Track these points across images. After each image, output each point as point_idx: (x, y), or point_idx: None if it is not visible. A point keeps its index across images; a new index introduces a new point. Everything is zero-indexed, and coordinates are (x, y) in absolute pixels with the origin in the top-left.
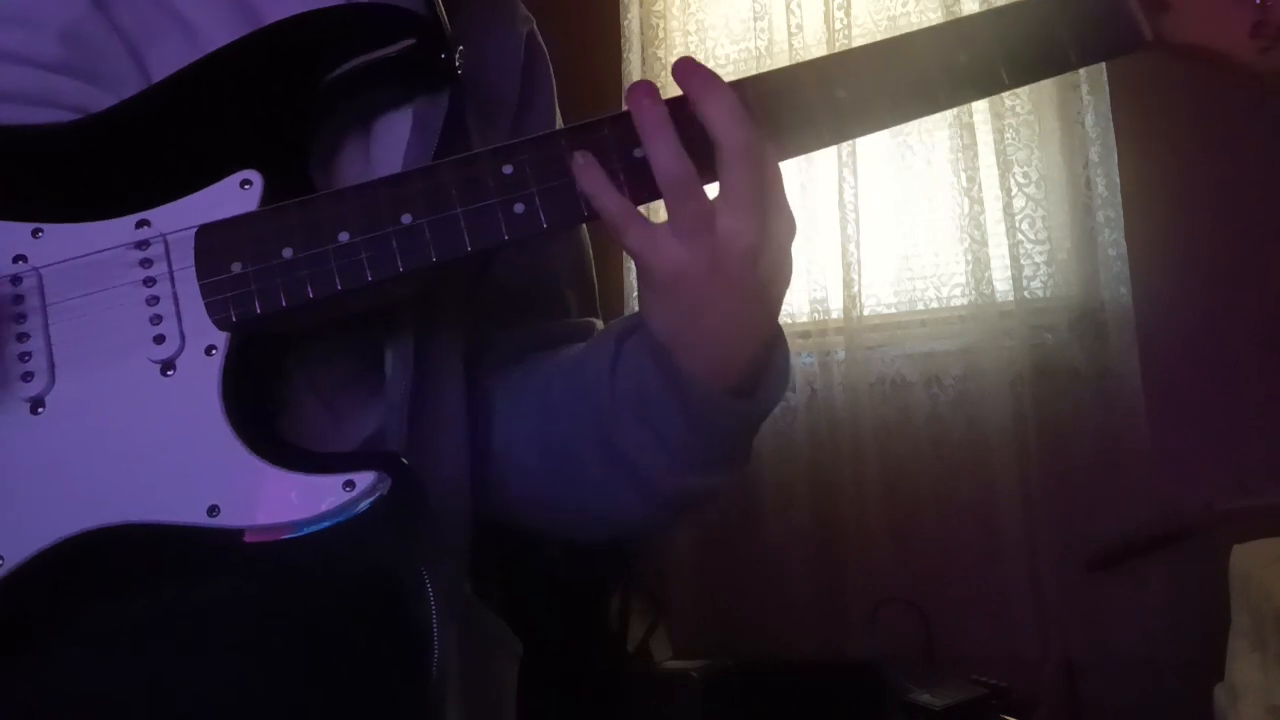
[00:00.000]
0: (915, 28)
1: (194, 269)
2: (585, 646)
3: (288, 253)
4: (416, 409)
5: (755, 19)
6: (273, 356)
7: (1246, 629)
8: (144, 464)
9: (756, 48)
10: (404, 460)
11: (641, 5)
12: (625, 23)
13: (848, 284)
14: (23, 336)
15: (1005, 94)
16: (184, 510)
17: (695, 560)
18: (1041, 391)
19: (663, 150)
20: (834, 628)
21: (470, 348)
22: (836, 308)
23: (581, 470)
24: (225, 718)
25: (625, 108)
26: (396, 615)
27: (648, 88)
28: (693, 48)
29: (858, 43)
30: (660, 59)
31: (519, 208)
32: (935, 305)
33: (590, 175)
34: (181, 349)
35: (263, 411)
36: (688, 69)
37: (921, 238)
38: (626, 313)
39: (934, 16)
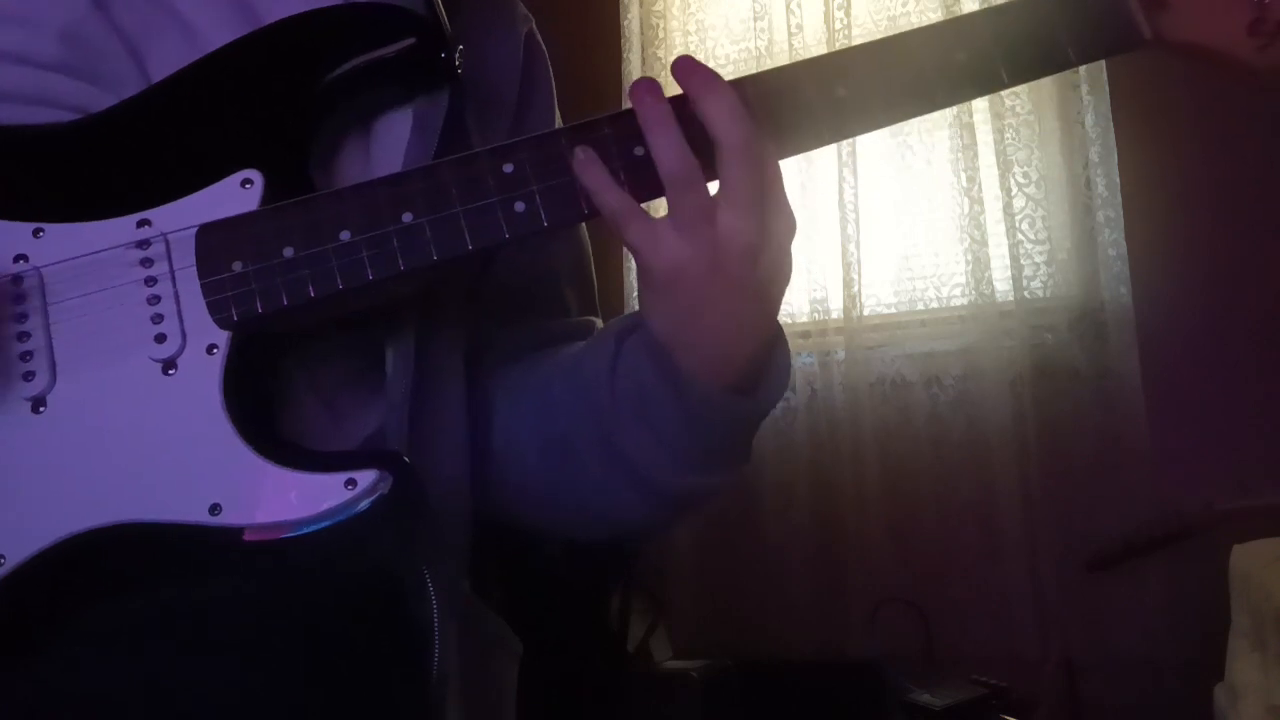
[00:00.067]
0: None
1: (195, 268)
2: (585, 646)
3: (289, 252)
4: (417, 408)
5: (755, 19)
6: (273, 355)
7: (1246, 629)
8: (145, 463)
9: (756, 48)
10: (405, 459)
11: (641, 5)
12: (625, 23)
13: (848, 284)
14: (24, 336)
15: (1005, 94)
16: (185, 509)
17: (695, 560)
18: (1041, 391)
19: (665, 145)
20: (834, 628)
21: (471, 347)
22: (836, 308)
23: (581, 469)
24: (225, 717)
25: (628, 106)
26: (397, 615)
27: (650, 84)
28: (693, 48)
29: (858, 43)
30: (660, 59)
31: (519, 206)
32: (935, 305)
33: (591, 170)
34: (183, 348)
35: (264, 410)
36: (687, 68)
37: (921, 238)
38: (627, 312)
39: (934, 16)
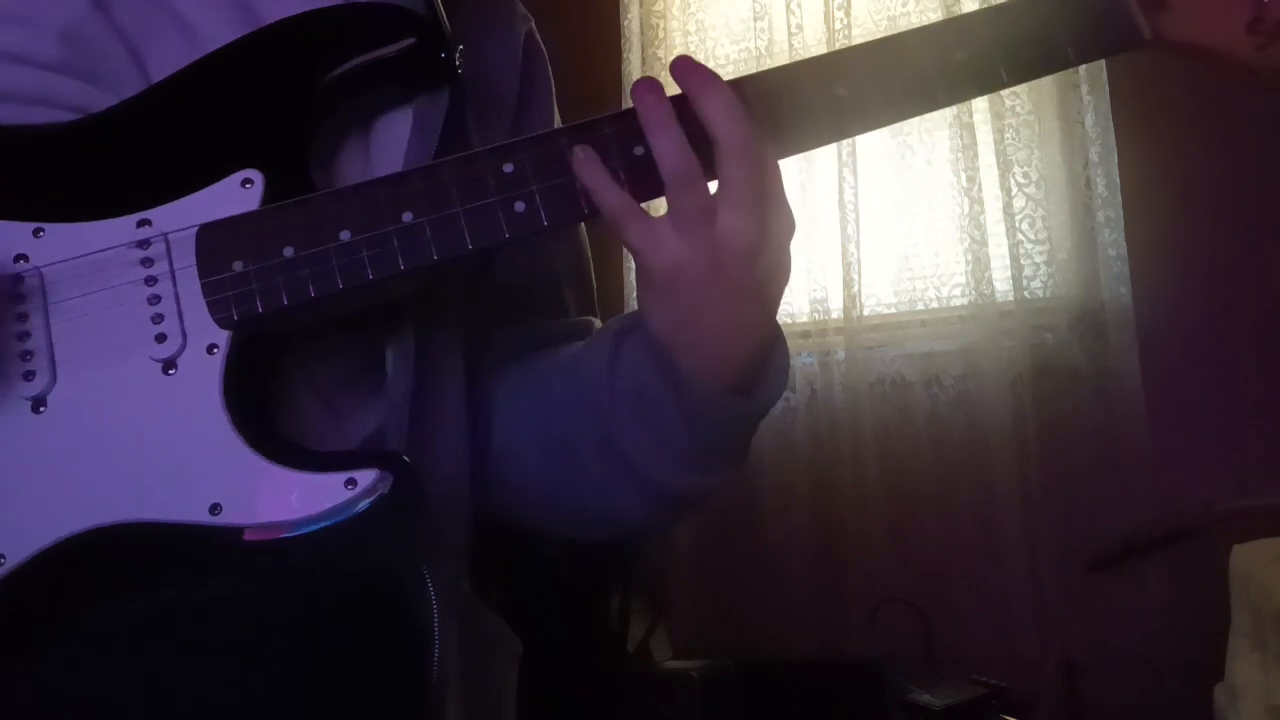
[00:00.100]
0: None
1: (195, 268)
2: (585, 646)
3: (289, 251)
4: (417, 408)
5: (755, 19)
6: (274, 355)
7: (1246, 629)
8: (145, 463)
9: (756, 48)
10: (405, 459)
11: (641, 5)
12: (625, 23)
13: (848, 284)
14: (24, 336)
15: (1005, 94)
16: (185, 509)
17: (695, 560)
18: (1041, 391)
19: (667, 144)
20: (834, 628)
21: (470, 347)
22: (836, 308)
23: (581, 469)
24: (225, 717)
25: (628, 106)
26: (397, 615)
27: (652, 84)
28: (693, 48)
29: (857, 42)
30: (660, 59)
31: (519, 206)
32: (935, 305)
33: (590, 170)
34: (183, 348)
35: (264, 410)
36: (685, 67)
37: (921, 238)
38: (626, 312)
39: (934, 16)
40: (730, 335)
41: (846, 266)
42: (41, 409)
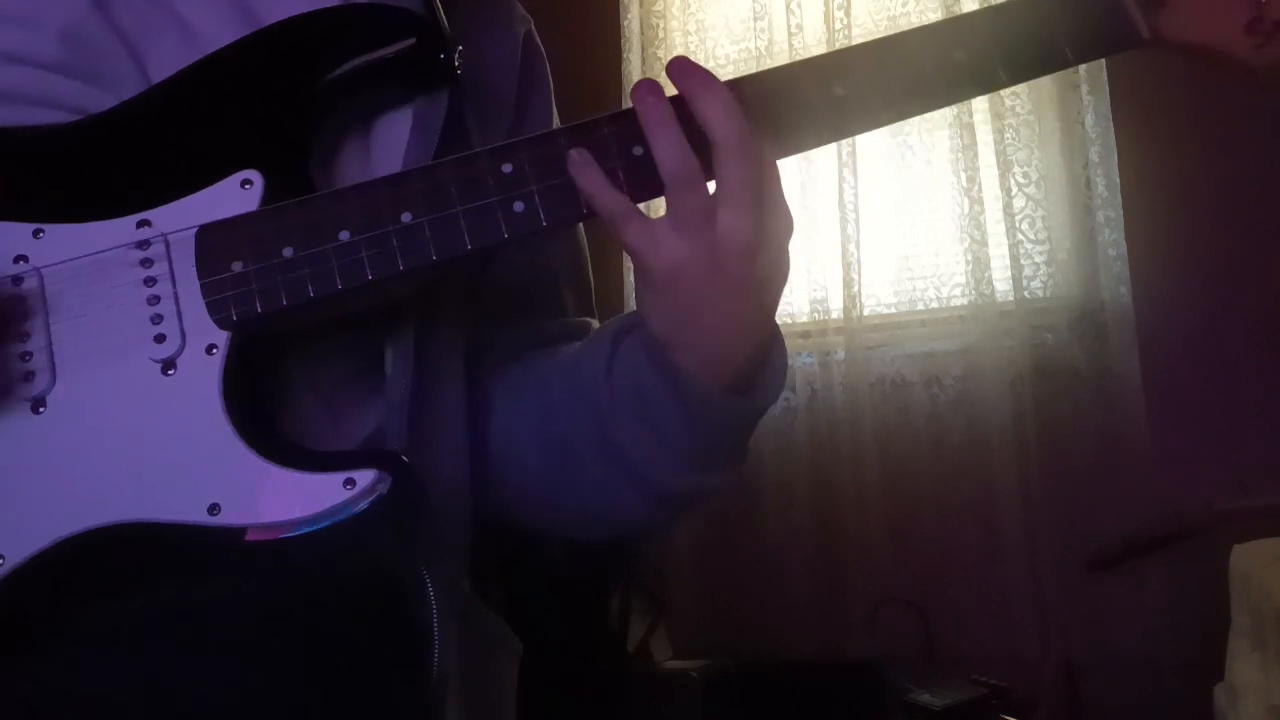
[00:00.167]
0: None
1: (195, 268)
2: (585, 646)
3: (288, 252)
4: (416, 408)
5: (755, 19)
6: (273, 355)
7: (1246, 629)
8: (145, 463)
9: (756, 48)
10: (404, 459)
11: (641, 5)
12: (625, 23)
13: (848, 284)
14: (24, 336)
15: (1005, 94)
16: (185, 509)
17: (695, 560)
18: (1041, 391)
19: (667, 145)
20: (834, 628)
21: (470, 347)
22: (836, 308)
23: (581, 469)
24: (225, 717)
25: (628, 106)
26: (397, 615)
27: (652, 85)
28: (693, 48)
29: (857, 42)
30: (660, 59)
31: (518, 206)
32: (935, 305)
33: (587, 172)
34: (182, 348)
35: (263, 410)
36: (682, 68)
37: (921, 238)
38: (626, 312)
39: (934, 16)
40: (729, 335)
41: (846, 266)
42: (41, 409)
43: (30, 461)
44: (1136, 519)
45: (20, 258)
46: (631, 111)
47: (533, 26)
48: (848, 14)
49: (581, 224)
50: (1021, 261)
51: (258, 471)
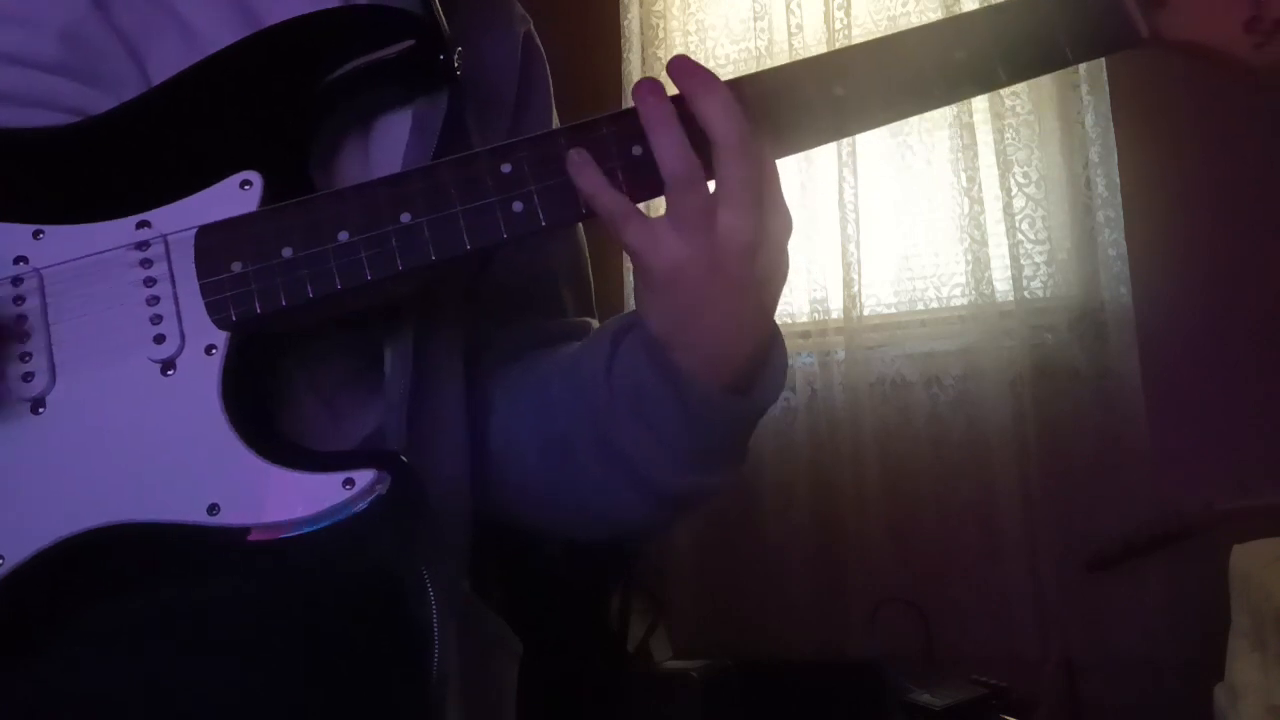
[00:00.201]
0: None
1: (194, 269)
2: (585, 646)
3: (287, 252)
4: (416, 408)
5: (755, 19)
6: (272, 356)
7: (1246, 629)
8: (144, 463)
9: (756, 48)
10: (403, 459)
11: (641, 5)
12: (625, 23)
13: (848, 284)
14: (24, 337)
15: (1005, 94)
16: (184, 509)
17: (695, 560)
18: (1041, 391)
19: (668, 145)
20: (834, 628)
21: (469, 346)
22: (836, 308)
23: (581, 469)
24: (225, 717)
25: (630, 106)
26: (397, 615)
27: (653, 84)
28: (693, 48)
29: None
30: (660, 59)
31: (518, 206)
32: (935, 305)
33: (586, 173)
34: (181, 348)
35: (262, 410)
36: (682, 67)
37: (921, 238)
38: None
39: (934, 16)
40: (729, 335)
41: (846, 266)
42: (40, 410)
43: (30, 462)
44: (1136, 519)
45: (20, 259)
46: (631, 111)
47: (532, 27)
48: (848, 14)
49: (581, 224)
50: (1021, 261)
51: (257, 471)
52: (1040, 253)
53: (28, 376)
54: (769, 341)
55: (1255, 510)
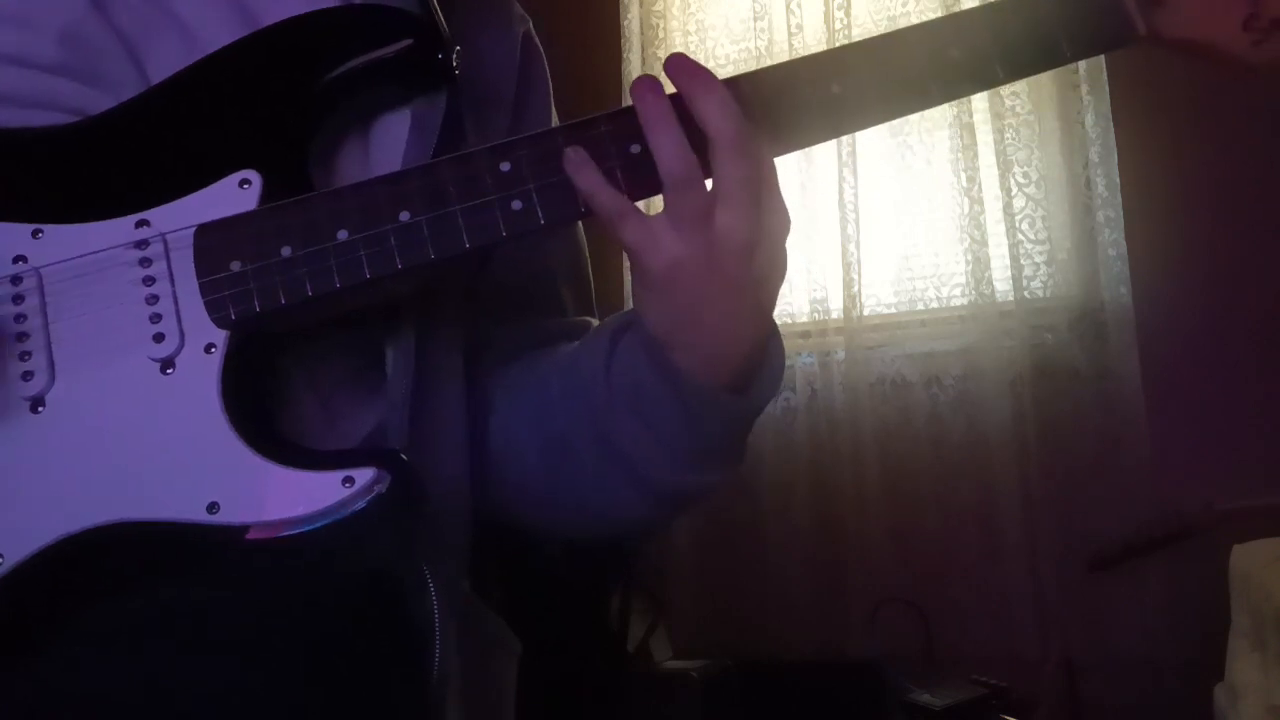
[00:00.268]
0: None
1: (193, 268)
2: (585, 646)
3: (286, 251)
4: (417, 407)
5: (755, 19)
6: (272, 354)
7: (1246, 629)
8: (144, 462)
9: (756, 48)
10: (403, 457)
11: (641, 5)
12: (625, 23)
13: (848, 284)
14: (23, 336)
15: (1005, 94)
16: (184, 508)
17: (695, 560)
18: (1041, 391)
19: (667, 144)
20: (834, 628)
21: (469, 346)
22: (836, 308)
23: (580, 468)
24: (225, 717)
25: (629, 105)
26: (397, 614)
27: (652, 82)
28: (693, 48)
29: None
30: (660, 59)
31: (517, 204)
32: (935, 305)
33: (584, 171)
34: (181, 347)
35: (262, 409)
36: (679, 66)
37: (921, 238)
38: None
39: (934, 16)
40: (728, 333)
41: (846, 266)
42: (40, 409)
43: (29, 461)
44: (1136, 519)
45: (19, 258)
46: (629, 110)
47: (531, 26)
48: (848, 14)
49: (580, 222)
50: (1021, 261)
51: (257, 470)
52: (1040, 253)
53: (27, 375)
54: (767, 340)
55: (1255, 510)
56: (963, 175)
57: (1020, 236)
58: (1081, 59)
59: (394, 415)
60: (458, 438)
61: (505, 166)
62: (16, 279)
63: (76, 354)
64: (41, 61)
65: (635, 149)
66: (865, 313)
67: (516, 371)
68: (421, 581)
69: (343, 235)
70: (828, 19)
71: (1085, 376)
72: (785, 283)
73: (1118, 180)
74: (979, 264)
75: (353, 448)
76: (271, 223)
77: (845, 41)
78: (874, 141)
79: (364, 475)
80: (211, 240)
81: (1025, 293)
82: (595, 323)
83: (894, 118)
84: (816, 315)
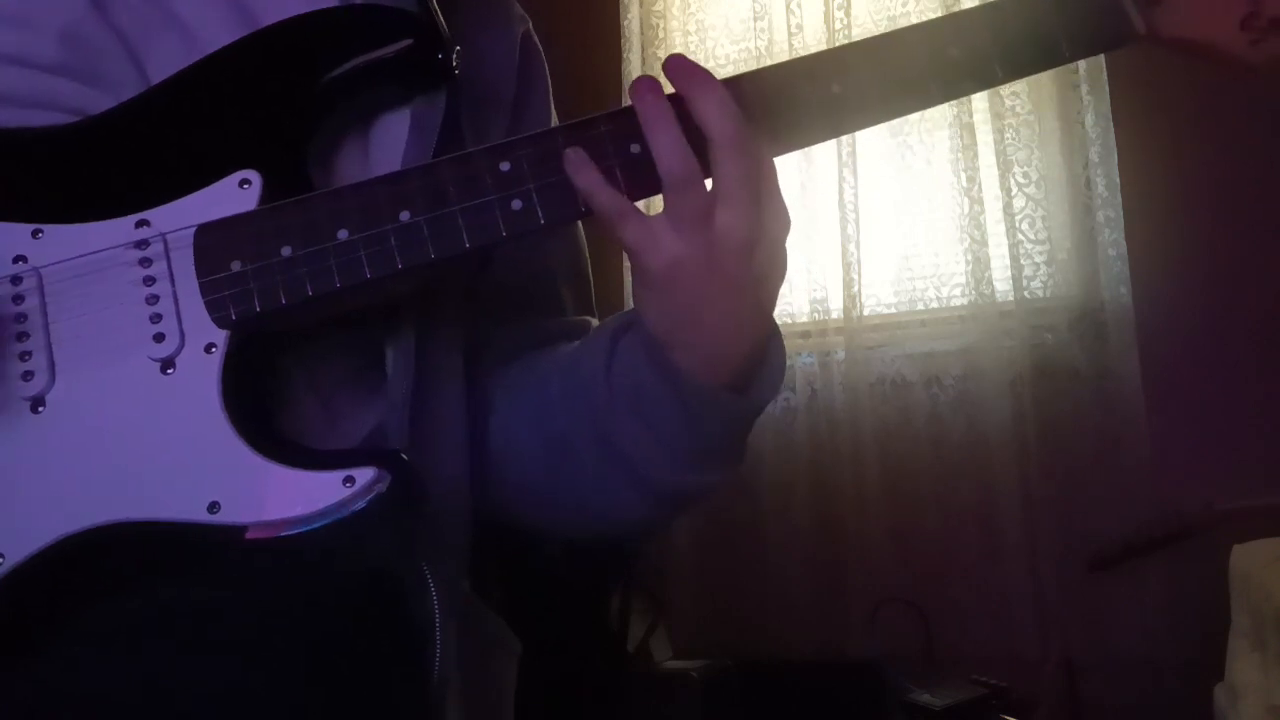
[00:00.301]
0: None
1: (193, 268)
2: (585, 646)
3: (287, 251)
4: (417, 407)
5: (755, 19)
6: (272, 354)
7: (1246, 629)
8: (144, 462)
9: (756, 48)
10: (404, 457)
11: (641, 5)
12: (625, 23)
13: (848, 284)
14: (23, 336)
15: (1005, 94)
16: (184, 508)
17: (695, 560)
18: (1041, 391)
19: (666, 143)
20: (834, 628)
21: (469, 346)
22: (836, 308)
23: (580, 468)
24: (225, 717)
25: (628, 104)
26: (397, 614)
27: (651, 82)
28: (693, 48)
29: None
30: (660, 59)
31: (516, 204)
32: (935, 305)
33: (583, 171)
34: (181, 347)
35: (262, 409)
36: (679, 66)
37: (921, 238)
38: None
39: (934, 16)
40: (728, 333)
41: (846, 266)
42: (40, 409)
43: (29, 461)
44: (1136, 519)
45: (19, 258)
46: (629, 110)
47: (530, 26)
48: (848, 14)
49: (580, 222)
50: (1021, 261)
51: (257, 470)
52: (1040, 253)
53: (27, 375)
54: (767, 340)
55: (1255, 510)
56: (963, 175)
57: (1020, 236)
58: (1081, 58)
59: (394, 415)
60: (458, 438)
61: (505, 166)
62: (16, 279)
63: (77, 354)
64: (41, 61)
65: (635, 149)
66: (865, 313)
67: (516, 371)
68: (422, 581)
69: (343, 235)
70: (828, 19)
71: (1085, 376)
72: (785, 283)
73: (1118, 180)
74: (979, 264)
75: (353, 448)
76: (272, 223)
77: (845, 41)
78: (874, 141)
79: (364, 475)
80: (212, 240)
81: (1025, 293)
82: (595, 323)
83: (894, 117)
84: (816, 315)
